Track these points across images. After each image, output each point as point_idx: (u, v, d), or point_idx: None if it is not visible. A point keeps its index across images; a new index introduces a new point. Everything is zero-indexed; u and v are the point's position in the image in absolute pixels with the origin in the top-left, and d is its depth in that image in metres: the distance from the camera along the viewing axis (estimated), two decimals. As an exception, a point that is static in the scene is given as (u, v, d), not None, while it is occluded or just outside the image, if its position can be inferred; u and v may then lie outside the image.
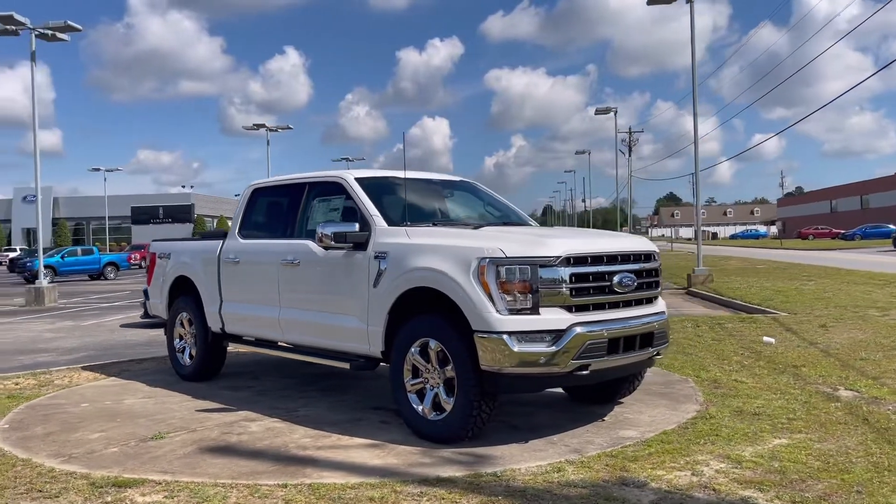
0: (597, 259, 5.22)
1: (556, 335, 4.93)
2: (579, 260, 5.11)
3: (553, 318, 4.96)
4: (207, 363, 7.72)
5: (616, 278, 5.25)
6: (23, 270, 35.07)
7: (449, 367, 5.19)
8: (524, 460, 4.80)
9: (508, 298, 4.92)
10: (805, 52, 65.17)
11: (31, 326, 14.90)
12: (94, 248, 39.33)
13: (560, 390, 6.68)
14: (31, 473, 4.77)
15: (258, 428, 5.81)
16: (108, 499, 4.26)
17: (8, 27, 22.22)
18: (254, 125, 40.06)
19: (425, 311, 5.38)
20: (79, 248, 38.41)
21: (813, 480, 4.31)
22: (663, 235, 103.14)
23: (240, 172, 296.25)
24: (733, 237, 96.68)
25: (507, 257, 4.96)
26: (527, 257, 4.98)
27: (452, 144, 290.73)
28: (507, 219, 6.90)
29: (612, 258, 5.33)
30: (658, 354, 5.71)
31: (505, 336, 4.87)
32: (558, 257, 5.00)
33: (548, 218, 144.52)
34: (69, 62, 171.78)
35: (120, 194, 79.48)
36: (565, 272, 5.01)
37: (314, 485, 4.38)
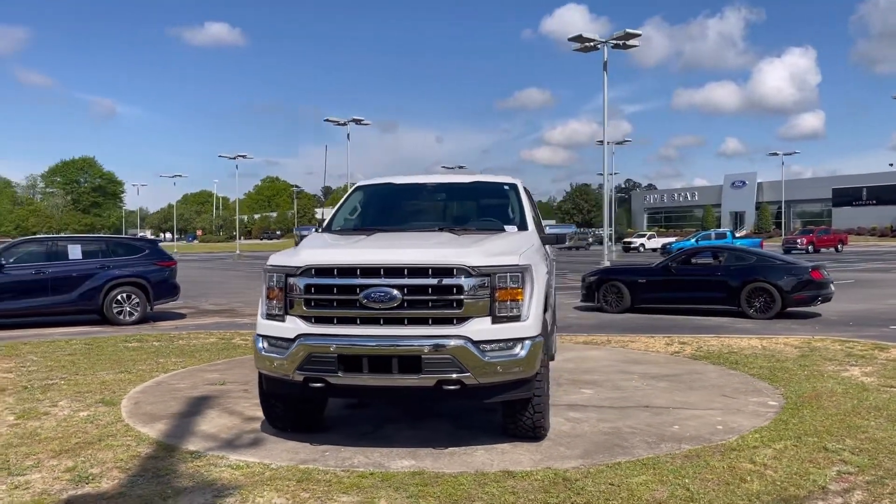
0: (345, 271, 5.01)
1: (288, 344, 5.07)
2: (322, 271, 5.06)
3: (290, 326, 5.11)
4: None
5: (364, 293, 4.89)
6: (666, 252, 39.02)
7: None
8: (252, 455, 5.16)
9: (269, 304, 5.29)
10: None
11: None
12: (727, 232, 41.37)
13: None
14: (99, 374, 7.50)
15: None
16: (86, 407, 6.63)
17: (586, 44, 26.03)
18: None
19: None
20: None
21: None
22: None
23: None
24: None
25: (271, 266, 5.32)
26: (280, 266, 5.25)
27: None
28: (486, 225, 6.38)
29: (370, 271, 4.95)
30: (452, 385, 4.86)
31: (259, 339, 5.29)
32: (299, 268, 5.10)
33: None
34: (836, 43, 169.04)
35: (823, 176, 77.74)
36: (302, 282, 5.06)
37: (112, 443, 5.60)
